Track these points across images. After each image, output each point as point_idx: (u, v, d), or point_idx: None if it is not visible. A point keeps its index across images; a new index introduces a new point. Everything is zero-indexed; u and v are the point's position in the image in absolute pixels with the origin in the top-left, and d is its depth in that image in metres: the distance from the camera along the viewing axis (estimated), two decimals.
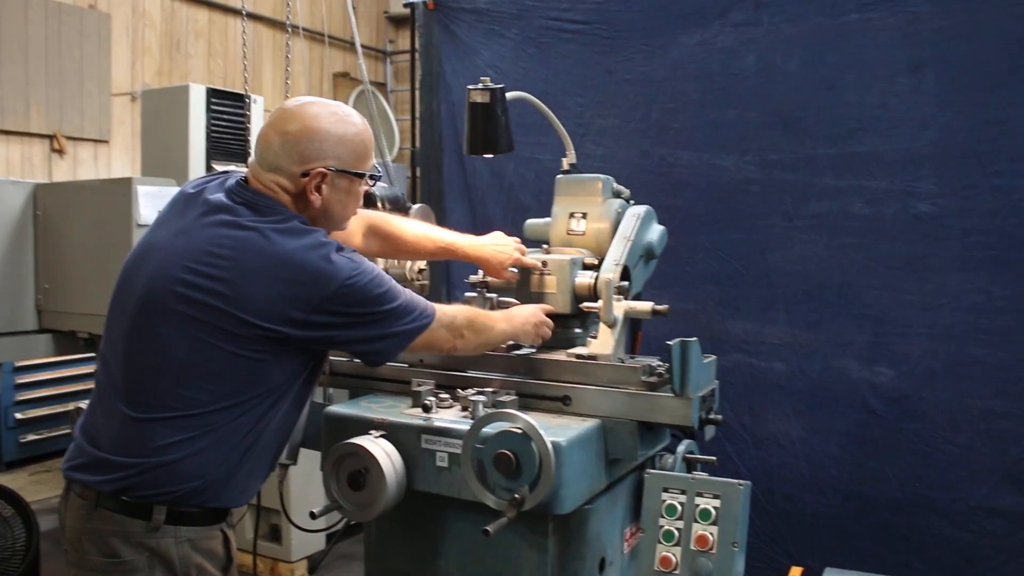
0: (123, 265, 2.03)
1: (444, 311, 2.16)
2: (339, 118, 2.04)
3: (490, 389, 2.31)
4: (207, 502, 1.92)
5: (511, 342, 2.44)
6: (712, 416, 2.32)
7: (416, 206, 2.82)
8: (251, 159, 2.07)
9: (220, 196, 1.98)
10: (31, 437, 6.22)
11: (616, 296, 2.37)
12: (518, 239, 2.68)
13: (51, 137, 6.75)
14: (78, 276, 3.94)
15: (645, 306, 2.38)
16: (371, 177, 2.11)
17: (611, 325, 2.35)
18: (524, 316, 2.39)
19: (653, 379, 2.26)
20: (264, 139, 2.03)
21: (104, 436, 1.91)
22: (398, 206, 2.77)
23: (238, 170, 2.12)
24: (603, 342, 2.35)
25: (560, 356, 2.43)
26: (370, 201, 2.74)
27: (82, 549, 1.91)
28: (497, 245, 2.64)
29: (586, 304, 2.47)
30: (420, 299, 2.10)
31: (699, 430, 2.27)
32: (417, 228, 2.67)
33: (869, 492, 3.14)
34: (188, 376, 1.87)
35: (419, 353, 2.38)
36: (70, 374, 6.34)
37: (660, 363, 2.34)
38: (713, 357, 2.40)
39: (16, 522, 3.88)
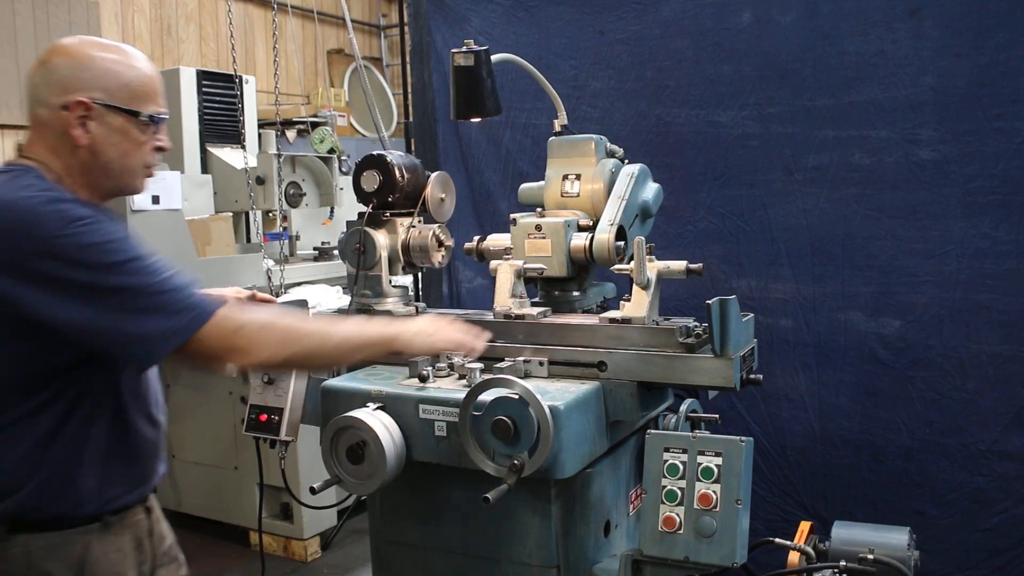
0: None
1: (232, 310, 1.79)
2: (117, 53, 1.86)
3: (522, 358, 2.28)
4: (40, 511, 1.78)
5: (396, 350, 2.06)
6: (752, 376, 2.27)
7: (434, 174, 2.76)
8: None
9: None
10: None
11: (648, 256, 2.32)
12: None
13: None
14: None
15: (679, 265, 2.33)
16: (151, 119, 1.86)
17: (644, 286, 2.30)
18: (420, 322, 2.07)
19: (690, 340, 2.21)
20: (30, 76, 1.83)
21: None
22: (416, 174, 2.71)
23: None
24: (636, 304, 2.31)
25: (592, 320, 2.40)
26: (389, 177, 2.65)
27: None
28: None
29: (618, 267, 2.43)
30: (197, 294, 1.78)
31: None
32: None
33: (880, 441, 3.11)
34: None
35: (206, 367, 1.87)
36: None
37: (696, 323, 2.30)
38: (751, 315, 2.35)
39: None
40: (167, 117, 1.96)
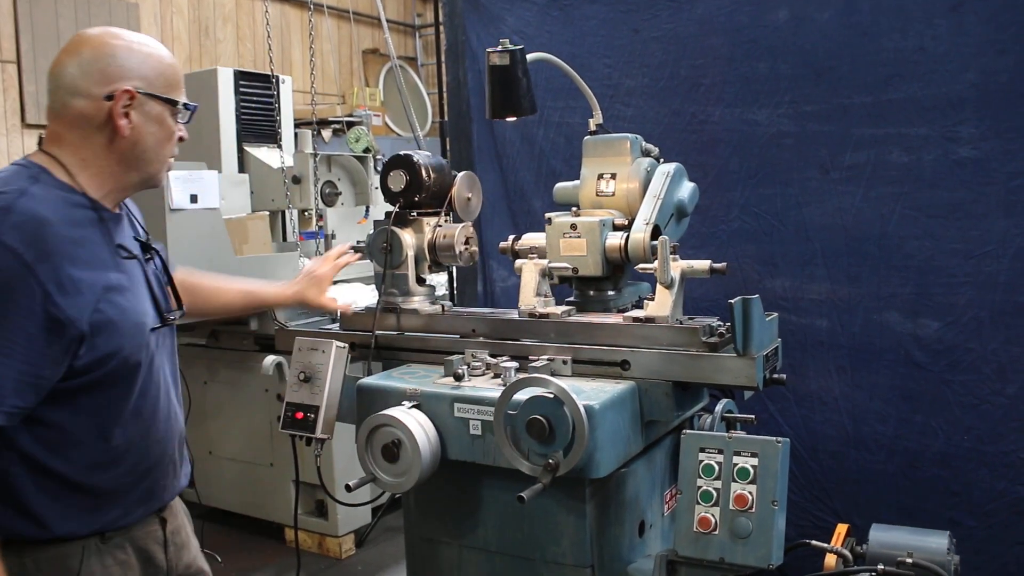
0: None
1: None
2: (144, 42, 1.85)
3: (546, 356, 2.29)
4: (22, 532, 1.72)
5: None
6: (776, 375, 2.27)
7: (461, 174, 2.77)
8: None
9: None
10: None
11: (672, 256, 2.31)
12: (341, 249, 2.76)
13: None
14: None
15: (703, 265, 2.32)
16: (186, 107, 1.86)
17: (668, 286, 2.30)
18: None
19: (714, 339, 2.20)
20: (57, 68, 1.78)
21: None
22: (443, 174, 2.71)
23: None
24: (660, 303, 2.30)
25: (616, 319, 2.40)
26: (416, 177, 2.65)
27: None
28: (309, 275, 2.59)
29: (642, 265, 2.42)
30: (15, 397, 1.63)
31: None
32: (217, 279, 2.45)
33: (915, 447, 3.06)
34: None
35: None
36: None
37: (720, 323, 2.29)
38: (775, 315, 2.34)
39: None
40: (196, 107, 1.94)
